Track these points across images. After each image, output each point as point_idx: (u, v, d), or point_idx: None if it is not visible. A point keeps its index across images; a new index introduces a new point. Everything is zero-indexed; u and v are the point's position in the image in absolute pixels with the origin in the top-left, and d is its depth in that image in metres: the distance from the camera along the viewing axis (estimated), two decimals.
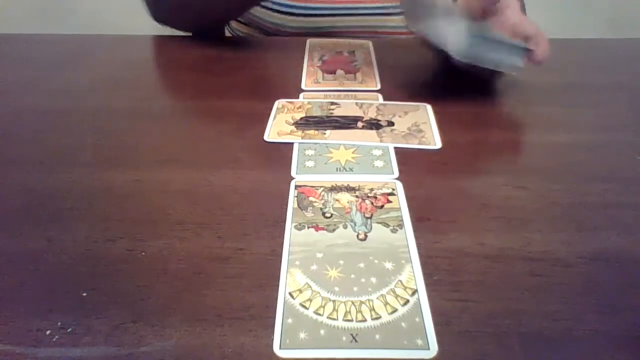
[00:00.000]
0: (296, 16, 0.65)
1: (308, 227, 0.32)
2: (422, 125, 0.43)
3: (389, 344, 0.25)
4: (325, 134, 0.41)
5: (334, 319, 0.26)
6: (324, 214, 0.33)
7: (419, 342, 0.25)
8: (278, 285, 0.28)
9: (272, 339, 0.25)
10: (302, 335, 0.25)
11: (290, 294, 0.28)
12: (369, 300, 0.27)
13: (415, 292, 0.28)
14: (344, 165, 0.38)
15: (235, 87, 0.50)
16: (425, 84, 0.52)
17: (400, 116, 0.44)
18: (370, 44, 0.58)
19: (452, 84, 0.50)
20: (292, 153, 0.39)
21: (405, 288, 0.28)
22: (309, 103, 0.46)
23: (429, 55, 0.49)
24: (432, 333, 0.25)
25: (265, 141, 0.41)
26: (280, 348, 0.25)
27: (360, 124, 0.43)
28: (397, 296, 0.27)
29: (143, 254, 0.30)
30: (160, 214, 0.33)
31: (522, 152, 0.41)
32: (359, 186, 0.36)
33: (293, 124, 0.43)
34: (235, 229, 0.32)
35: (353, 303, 0.27)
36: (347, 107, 0.45)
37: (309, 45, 0.58)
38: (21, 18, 1.29)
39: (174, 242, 0.31)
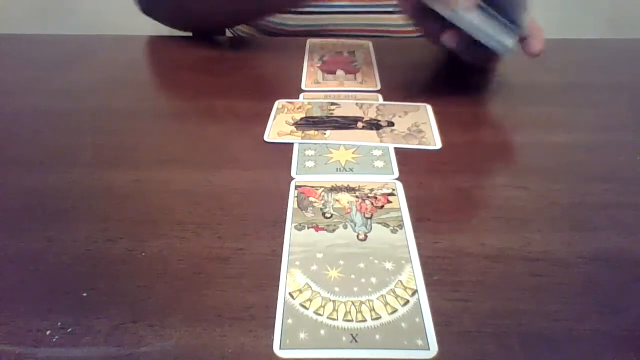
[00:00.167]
0: (296, 14, 0.65)
1: (308, 227, 0.32)
2: (422, 125, 0.43)
3: (389, 344, 0.25)
4: (325, 134, 0.41)
5: (334, 319, 0.26)
6: (324, 214, 0.33)
7: (419, 342, 0.25)
8: (278, 286, 0.28)
9: (272, 339, 0.25)
10: (302, 335, 0.25)
11: (290, 294, 0.28)
12: (369, 300, 0.27)
13: (415, 292, 0.28)
14: (344, 165, 0.38)
15: (235, 87, 0.50)
16: (425, 84, 0.52)
17: (400, 116, 0.44)
18: (370, 44, 0.58)
19: (452, 84, 0.50)
20: (292, 153, 0.39)
21: (405, 288, 0.28)
22: (309, 103, 0.46)
23: (429, 56, 0.49)
24: (432, 333, 0.25)
25: (265, 141, 0.41)
26: (280, 348, 0.25)
27: (360, 124, 0.43)
28: (397, 296, 0.27)
29: (143, 254, 0.30)
30: (160, 214, 0.33)
31: (522, 152, 0.41)
32: (359, 186, 0.36)
33: (293, 124, 0.43)
34: (235, 229, 0.32)
35: (353, 303, 0.27)
36: (347, 108, 0.45)
37: (309, 46, 0.58)
38: (21, 18, 1.29)
39: (174, 242, 0.31)
